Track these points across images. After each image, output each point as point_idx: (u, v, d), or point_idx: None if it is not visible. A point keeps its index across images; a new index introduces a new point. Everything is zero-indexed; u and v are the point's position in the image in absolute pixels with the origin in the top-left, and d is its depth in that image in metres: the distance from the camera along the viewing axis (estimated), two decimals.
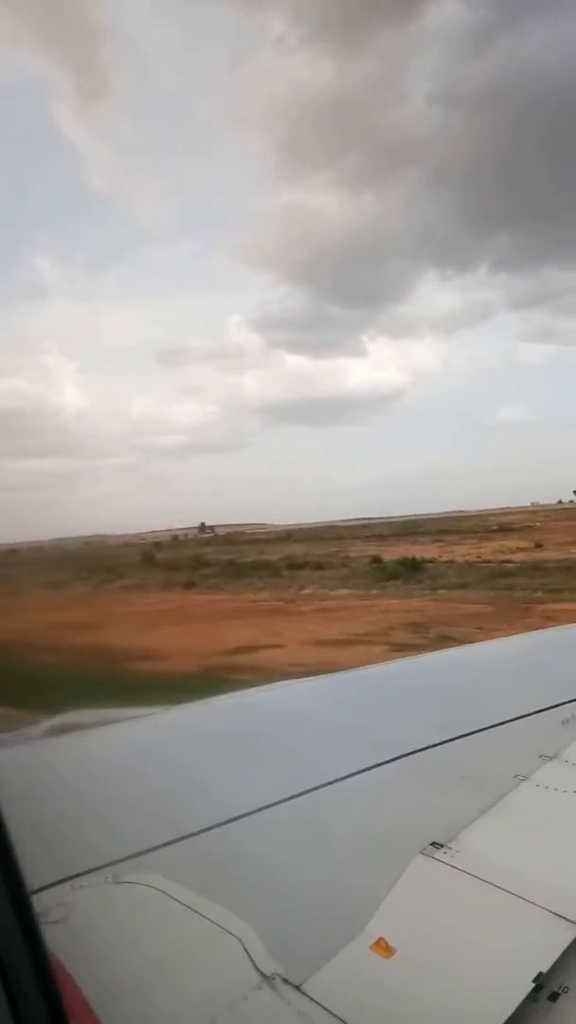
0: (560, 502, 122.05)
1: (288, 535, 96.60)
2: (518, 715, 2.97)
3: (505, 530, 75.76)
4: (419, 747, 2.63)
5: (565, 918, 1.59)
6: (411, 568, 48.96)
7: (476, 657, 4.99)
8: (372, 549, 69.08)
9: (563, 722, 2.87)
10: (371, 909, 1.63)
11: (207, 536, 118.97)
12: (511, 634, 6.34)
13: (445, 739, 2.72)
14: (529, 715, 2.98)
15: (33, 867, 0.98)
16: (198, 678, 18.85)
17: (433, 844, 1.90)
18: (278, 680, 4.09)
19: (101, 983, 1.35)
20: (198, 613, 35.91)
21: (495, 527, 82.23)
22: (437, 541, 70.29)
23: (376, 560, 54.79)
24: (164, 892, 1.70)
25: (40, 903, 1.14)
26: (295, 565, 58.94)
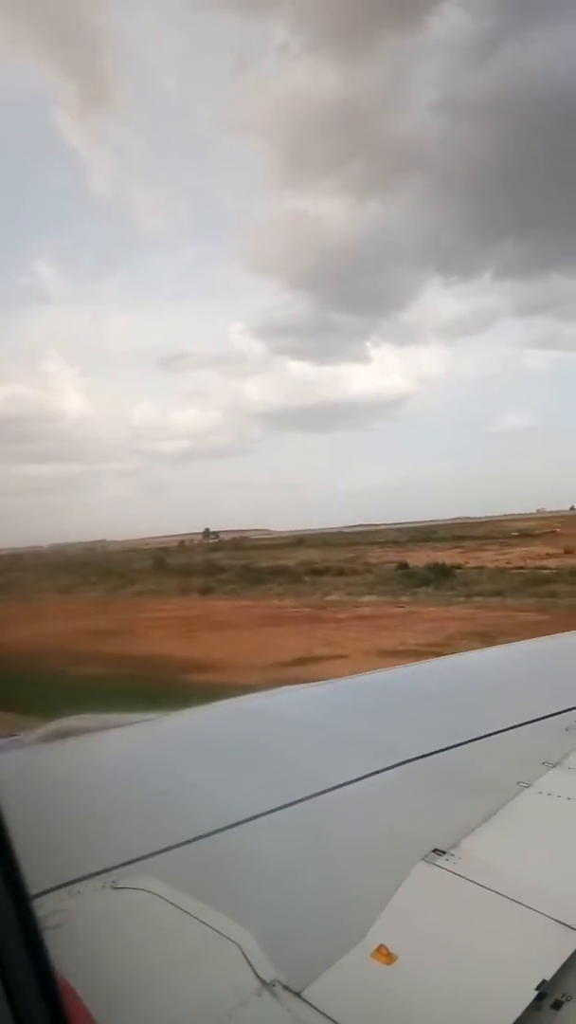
0: (572, 508, 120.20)
1: (299, 540, 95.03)
2: (521, 722, 2.92)
3: (526, 536, 74.08)
4: (421, 753, 2.59)
5: (568, 926, 1.56)
6: (441, 574, 47.03)
7: (479, 663, 4.94)
8: (391, 555, 67.49)
9: (566, 729, 2.83)
10: (372, 916, 1.61)
11: (213, 542, 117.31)
12: None
13: (447, 745, 2.68)
14: (532, 722, 2.93)
15: (31, 872, 0.97)
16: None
17: (435, 851, 1.88)
18: None
19: (99, 990, 1.32)
20: (229, 620, 34.02)
21: (515, 533, 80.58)
22: (457, 547, 68.58)
23: (403, 566, 52.76)
24: (163, 898, 1.68)
25: (38, 909, 0.97)
26: (315, 571, 57.06)
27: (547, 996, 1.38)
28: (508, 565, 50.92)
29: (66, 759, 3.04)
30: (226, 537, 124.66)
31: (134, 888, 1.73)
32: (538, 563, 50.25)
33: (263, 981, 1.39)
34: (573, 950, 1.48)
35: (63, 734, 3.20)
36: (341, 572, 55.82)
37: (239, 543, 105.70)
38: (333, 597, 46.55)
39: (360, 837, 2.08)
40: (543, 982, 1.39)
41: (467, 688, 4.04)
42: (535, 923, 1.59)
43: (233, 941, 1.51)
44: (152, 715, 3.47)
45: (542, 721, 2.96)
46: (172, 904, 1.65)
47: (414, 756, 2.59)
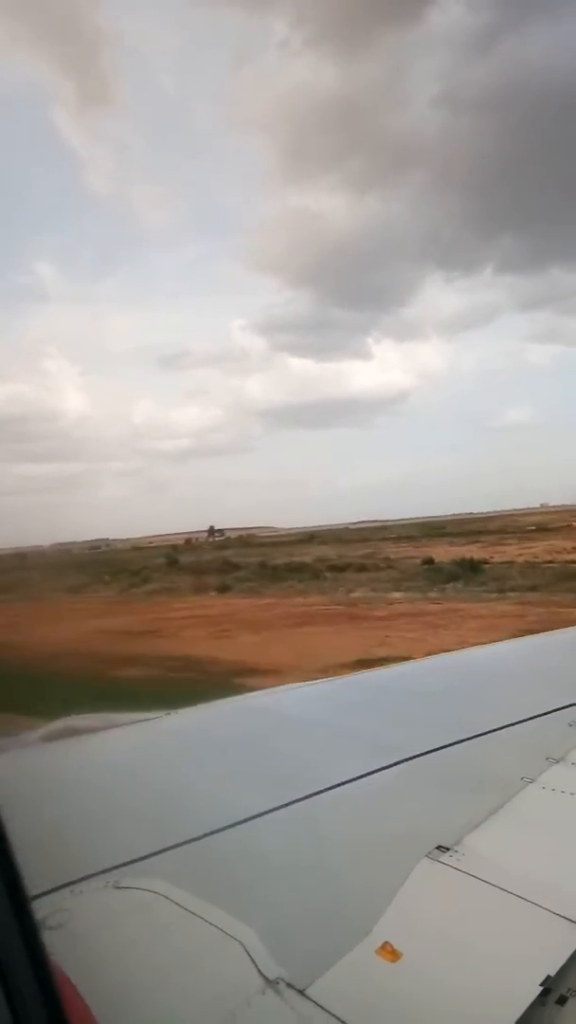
0: None
1: (310, 537, 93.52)
2: (524, 717, 2.90)
3: (543, 530, 72.70)
4: (424, 750, 2.59)
5: (573, 921, 1.56)
6: (470, 569, 45.59)
7: (481, 659, 4.85)
8: (408, 550, 66.18)
9: (570, 724, 2.80)
10: (376, 913, 1.60)
11: (219, 539, 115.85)
12: None
13: (451, 742, 2.66)
14: (535, 717, 2.91)
15: (33, 872, 0.97)
16: None
17: (439, 847, 1.87)
18: None
19: (102, 989, 1.32)
20: (258, 618, 32.53)
21: (531, 527, 79.26)
22: (474, 542, 67.19)
23: (428, 561, 51.31)
24: (166, 897, 1.67)
25: (40, 909, 1.07)
26: (335, 567, 55.60)
27: (552, 992, 1.38)
28: (536, 560, 49.48)
29: (68, 758, 3.00)
30: (232, 535, 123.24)
31: (137, 888, 1.73)
32: (567, 557, 48.81)
33: (267, 979, 1.39)
34: None
35: (65, 733, 3.16)
36: (363, 568, 54.44)
37: (248, 540, 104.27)
38: (358, 594, 45.18)
39: (363, 834, 2.06)
40: (548, 978, 1.39)
41: (469, 684, 3.99)
42: (539, 919, 1.58)
43: (236, 939, 1.50)
44: (154, 714, 3.39)
45: (545, 716, 2.93)
46: (175, 903, 1.64)
47: (417, 753, 2.56)
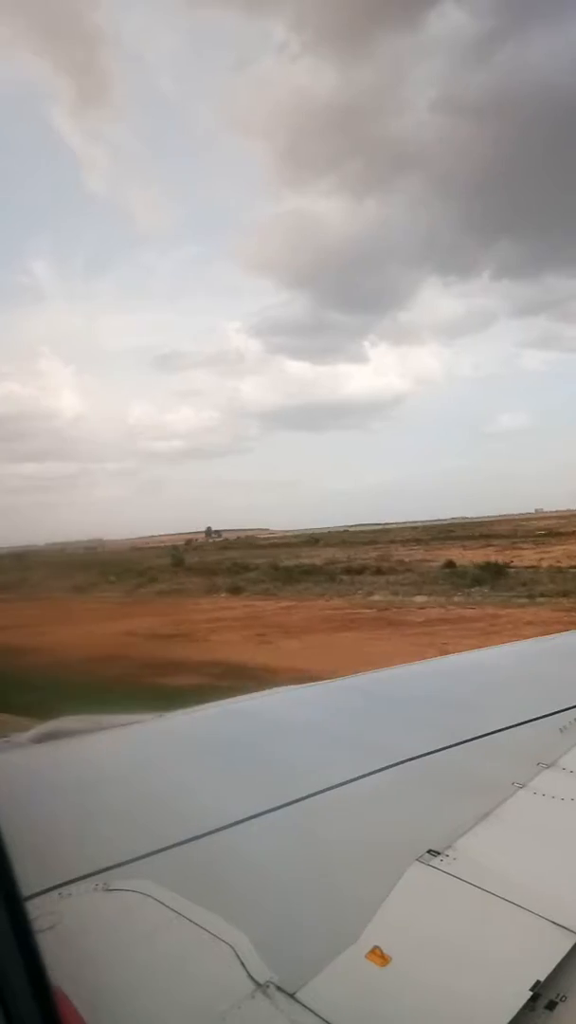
0: None
1: (314, 539, 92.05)
2: (515, 722, 2.88)
3: (556, 535, 71.63)
4: (415, 754, 2.57)
5: (563, 926, 1.55)
6: (495, 573, 44.24)
7: (473, 664, 4.84)
8: (420, 553, 64.89)
9: (560, 729, 2.79)
10: (367, 917, 1.59)
11: (218, 540, 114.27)
12: None
13: (442, 746, 2.65)
14: (526, 722, 2.89)
15: (22, 875, 0.96)
16: None
17: (430, 851, 1.86)
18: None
19: (92, 992, 1.31)
20: (288, 622, 30.96)
21: (542, 531, 78.21)
22: (487, 546, 65.91)
23: (449, 564, 49.93)
24: (156, 899, 1.65)
25: (29, 911, 0.98)
26: (350, 570, 54.13)
27: (541, 997, 1.37)
28: (559, 564, 48.22)
29: (58, 760, 2.95)
30: (228, 536, 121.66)
31: (126, 890, 1.71)
32: None
33: (257, 983, 1.38)
34: (568, 951, 1.47)
35: (55, 735, 3.12)
36: (379, 571, 52.98)
37: (251, 542, 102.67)
38: (377, 597, 43.77)
39: (354, 838, 2.05)
40: (537, 983, 1.38)
41: (461, 689, 3.93)
42: (530, 924, 1.58)
43: (226, 942, 1.49)
44: (145, 716, 3.36)
45: (536, 722, 2.90)
46: (165, 906, 1.63)
47: (409, 757, 2.54)
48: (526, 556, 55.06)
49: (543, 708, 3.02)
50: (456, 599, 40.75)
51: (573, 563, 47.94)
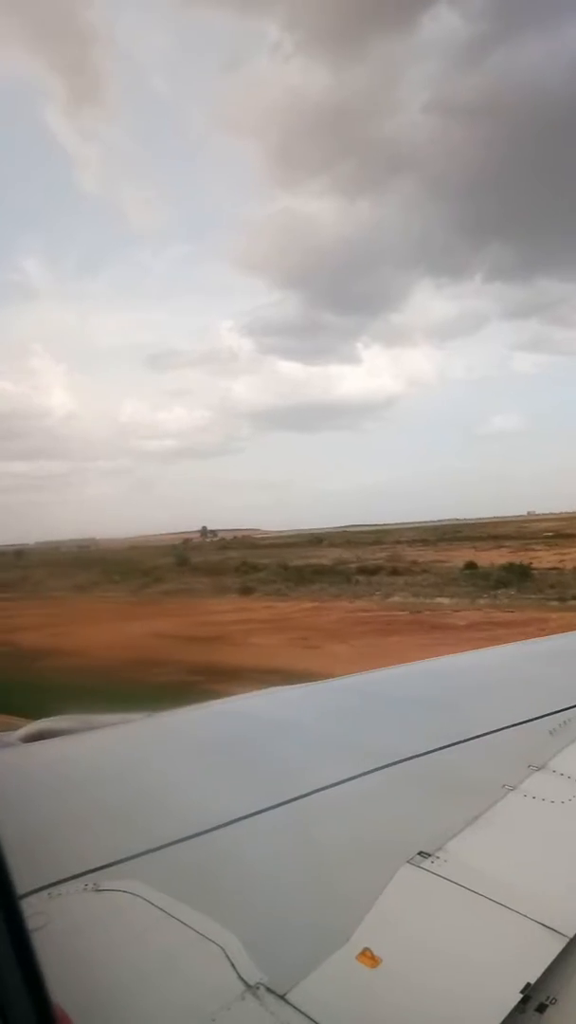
0: None
1: (318, 539, 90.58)
2: (506, 725, 2.86)
3: (566, 536, 70.63)
4: (406, 756, 2.56)
5: (553, 929, 1.55)
6: (519, 575, 42.93)
7: (463, 667, 4.75)
8: (430, 554, 63.63)
9: (551, 732, 2.76)
10: (357, 919, 1.58)
11: (214, 540, 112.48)
12: None
13: (433, 748, 2.63)
14: (517, 725, 2.87)
15: (11, 875, 0.97)
16: None
17: (420, 853, 1.85)
18: None
19: (81, 993, 1.31)
20: (322, 624, 29.43)
21: (549, 533, 77.22)
22: (499, 546, 64.73)
23: (470, 565, 48.55)
24: (146, 900, 1.64)
25: (24, 912, 0.98)
26: (365, 570, 52.61)
27: (532, 999, 1.37)
28: None
29: (48, 759, 2.92)
30: (226, 536, 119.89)
31: (116, 890, 1.70)
32: None
33: (247, 984, 1.38)
34: (558, 953, 1.47)
35: (45, 735, 3.08)
36: (395, 572, 51.51)
37: (254, 542, 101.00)
38: (398, 599, 42.37)
39: (345, 839, 2.04)
40: (528, 985, 1.38)
41: (452, 691, 3.87)
42: (520, 926, 1.57)
43: (216, 943, 1.49)
44: (135, 715, 3.31)
45: (527, 724, 2.88)
46: (154, 906, 1.62)
47: (400, 758, 2.53)
48: (543, 557, 53.84)
49: (533, 710, 2.99)
50: (481, 601, 39.57)
51: None
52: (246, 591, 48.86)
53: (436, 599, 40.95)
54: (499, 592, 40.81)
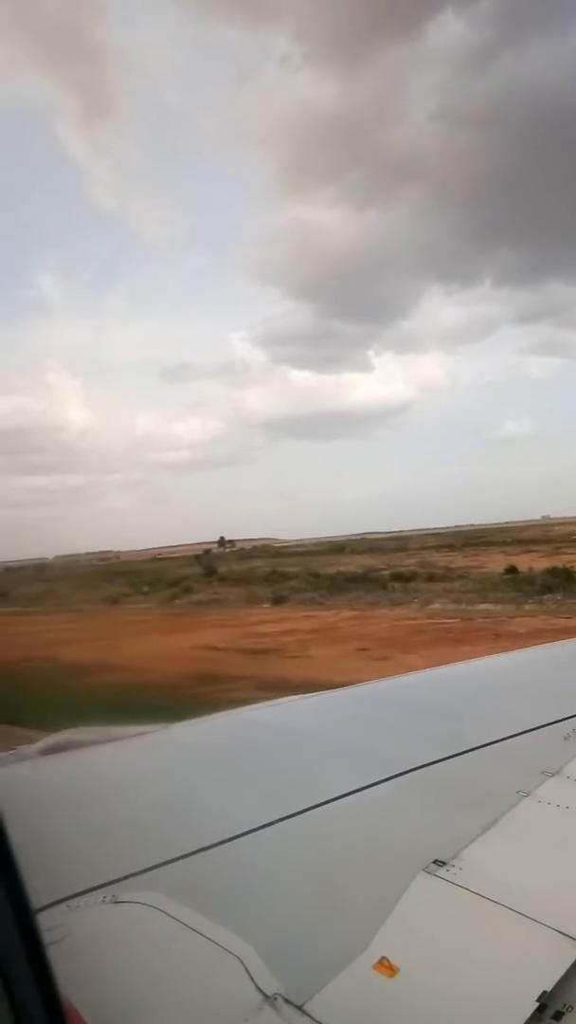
0: None
1: (341, 547, 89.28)
2: (519, 731, 2.85)
3: None
4: (420, 764, 2.55)
5: (569, 936, 1.54)
6: (566, 579, 41.53)
7: (477, 673, 4.74)
8: (460, 560, 62.28)
9: (565, 737, 2.74)
10: (374, 928, 1.59)
11: (233, 550, 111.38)
12: None
13: (446, 755, 2.62)
14: (530, 731, 2.85)
15: (30, 887, 0.97)
16: None
17: (435, 862, 1.85)
18: None
19: (99, 1005, 1.32)
20: (378, 633, 28.24)
21: None
22: (529, 551, 63.29)
23: (511, 570, 47.18)
24: (163, 911, 1.66)
25: (39, 925, 0.98)
26: (400, 577, 51.30)
27: (548, 1007, 1.36)
28: None
29: (65, 772, 2.95)
30: (245, 546, 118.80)
31: (134, 902, 1.71)
32: None
33: (265, 995, 1.38)
34: (574, 961, 1.47)
35: (62, 747, 3.10)
36: (431, 578, 50.21)
37: (268, 551, 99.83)
38: (438, 605, 41.07)
39: (360, 849, 2.03)
40: (544, 993, 1.38)
41: (465, 697, 3.86)
42: (536, 934, 1.57)
43: (234, 955, 1.49)
44: (151, 727, 3.32)
45: (540, 730, 2.87)
46: (173, 918, 1.63)
47: (414, 767, 2.52)
48: None
49: (547, 716, 2.95)
50: (528, 607, 38.24)
51: None
52: (279, 600, 47.75)
53: (479, 605, 39.69)
54: (545, 597, 39.49)
